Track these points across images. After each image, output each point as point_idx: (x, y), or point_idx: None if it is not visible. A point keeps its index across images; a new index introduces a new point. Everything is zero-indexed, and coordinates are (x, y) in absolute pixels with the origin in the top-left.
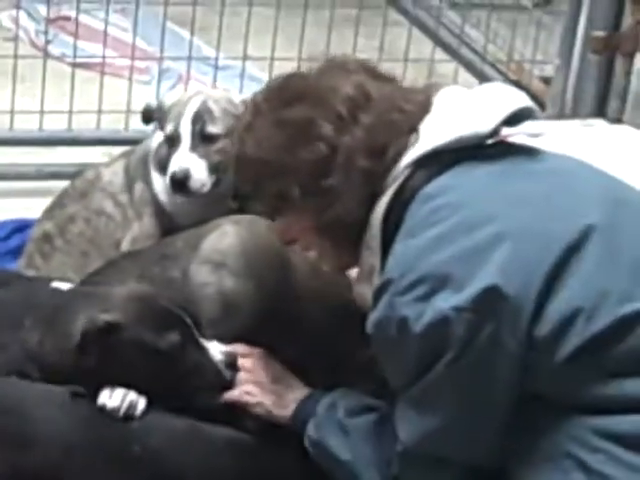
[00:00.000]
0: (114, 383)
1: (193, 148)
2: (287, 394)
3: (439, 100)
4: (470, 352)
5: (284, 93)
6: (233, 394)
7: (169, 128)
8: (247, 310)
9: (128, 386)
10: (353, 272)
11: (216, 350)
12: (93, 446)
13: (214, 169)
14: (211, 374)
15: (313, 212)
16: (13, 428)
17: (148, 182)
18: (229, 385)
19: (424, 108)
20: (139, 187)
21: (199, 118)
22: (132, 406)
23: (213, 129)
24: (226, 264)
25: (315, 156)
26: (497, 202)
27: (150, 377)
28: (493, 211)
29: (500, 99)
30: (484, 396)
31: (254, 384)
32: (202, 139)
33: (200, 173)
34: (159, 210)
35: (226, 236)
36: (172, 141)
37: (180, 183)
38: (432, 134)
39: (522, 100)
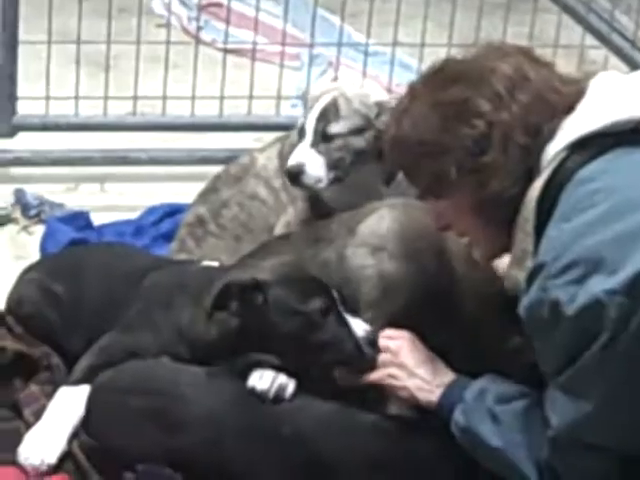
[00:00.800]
0: (256, 354)
1: (314, 144)
2: (433, 379)
3: (595, 84)
4: (624, 336)
5: (441, 76)
6: (376, 376)
7: (300, 121)
8: (406, 293)
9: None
10: (502, 262)
11: (359, 326)
12: (245, 427)
13: (333, 166)
14: (350, 348)
15: (469, 190)
16: (166, 410)
17: None
18: (371, 365)
19: (580, 91)
20: None
21: (324, 116)
22: (282, 388)
23: (335, 128)
24: (385, 248)
25: (473, 133)
26: None
27: (290, 344)
28: None
29: None
30: (638, 383)
31: (398, 367)
32: (323, 137)
33: (316, 169)
34: (312, 195)
35: (384, 220)
36: (300, 134)
37: (294, 177)
38: (588, 117)
39: None
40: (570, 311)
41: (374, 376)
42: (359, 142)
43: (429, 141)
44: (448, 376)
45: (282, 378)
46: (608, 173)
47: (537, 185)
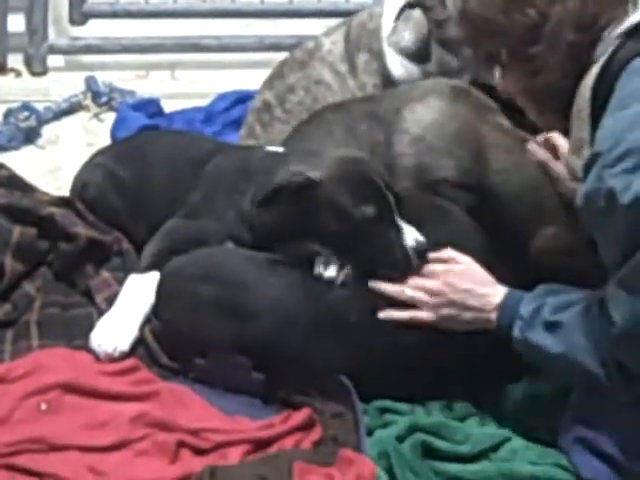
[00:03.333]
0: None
1: None
2: (485, 304)
3: None
4: None
5: None
6: (430, 319)
7: None
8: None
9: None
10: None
11: (411, 235)
12: (313, 315)
13: None
14: (398, 256)
15: (520, 77)
16: (236, 298)
17: (375, 54)
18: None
19: None
20: (363, 58)
21: None
22: (348, 274)
23: None
24: (425, 138)
25: (525, 21)
26: None
27: (340, 244)
28: None
29: None
30: None
31: (449, 306)
32: None
33: None
34: (388, 83)
35: (429, 110)
36: None
37: None
38: None
39: None
40: (625, 199)
41: (427, 318)
42: None
43: (489, 19)
44: (498, 295)
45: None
46: None
47: (592, 73)
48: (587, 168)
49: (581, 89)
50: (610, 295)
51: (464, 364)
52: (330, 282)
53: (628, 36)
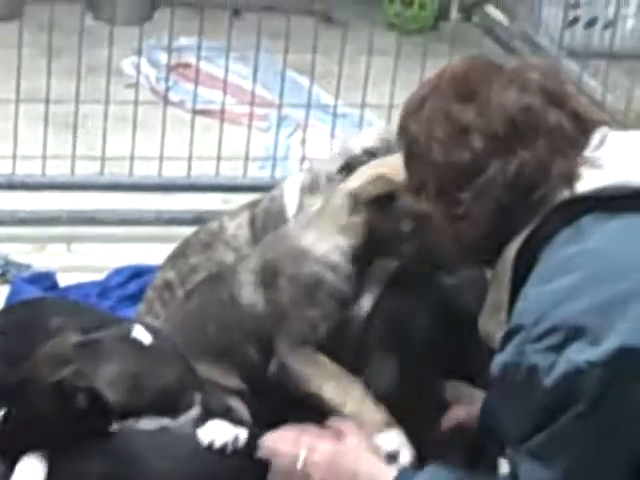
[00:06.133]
0: None
1: None
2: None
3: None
4: (601, 409)
5: (462, 86)
6: None
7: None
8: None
9: None
10: None
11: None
12: None
13: None
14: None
15: (442, 215)
16: (125, 474)
17: None
18: None
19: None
20: None
21: None
22: (236, 439)
23: None
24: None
25: (459, 163)
26: (636, 256)
27: None
28: (631, 265)
29: None
30: (608, 456)
31: None
32: None
33: None
34: None
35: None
36: None
37: None
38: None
39: None
40: (548, 380)
41: None
42: None
43: (422, 145)
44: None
45: (233, 428)
46: (592, 236)
47: (519, 239)
48: (507, 338)
49: (505, 254)
50: (516, 466)
51: None
52: (223, 449)
53: (558, 209)
